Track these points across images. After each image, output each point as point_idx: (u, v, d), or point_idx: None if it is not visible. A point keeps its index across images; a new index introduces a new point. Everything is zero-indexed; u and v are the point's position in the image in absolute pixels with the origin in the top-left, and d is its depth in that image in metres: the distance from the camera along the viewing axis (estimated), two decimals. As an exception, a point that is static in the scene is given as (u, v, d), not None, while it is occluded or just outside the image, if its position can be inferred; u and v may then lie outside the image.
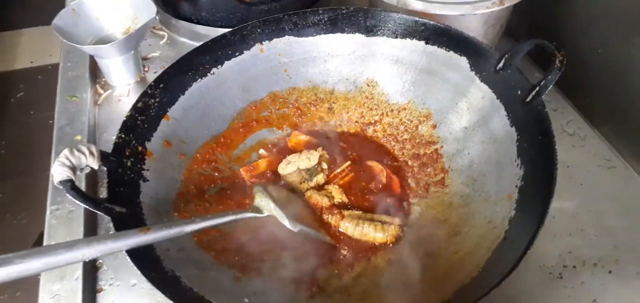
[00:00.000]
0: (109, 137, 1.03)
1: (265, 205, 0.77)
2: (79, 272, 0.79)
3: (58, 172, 0.66)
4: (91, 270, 0.82)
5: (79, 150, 0.69)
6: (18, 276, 0.53)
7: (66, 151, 0.68)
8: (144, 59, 1.21)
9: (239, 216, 0.75)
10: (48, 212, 0.88)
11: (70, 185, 0.65)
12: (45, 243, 0.84)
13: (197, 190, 0.84)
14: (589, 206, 0.90)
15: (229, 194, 0.86)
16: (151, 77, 1.14)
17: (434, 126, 0.92)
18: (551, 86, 0.73)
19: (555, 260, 0.83)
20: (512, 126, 0.78)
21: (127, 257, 0.62)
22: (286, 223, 0.76)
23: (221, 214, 0.73)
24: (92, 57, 1.16)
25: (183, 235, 0.67)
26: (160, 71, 0.88)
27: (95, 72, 1.18)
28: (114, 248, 0.60)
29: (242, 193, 0.87)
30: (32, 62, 2.70)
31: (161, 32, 1.29)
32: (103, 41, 1.10)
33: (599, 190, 0.93)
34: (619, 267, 0.82)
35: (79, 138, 1.01)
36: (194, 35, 1.23)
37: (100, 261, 0.83)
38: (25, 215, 2.11)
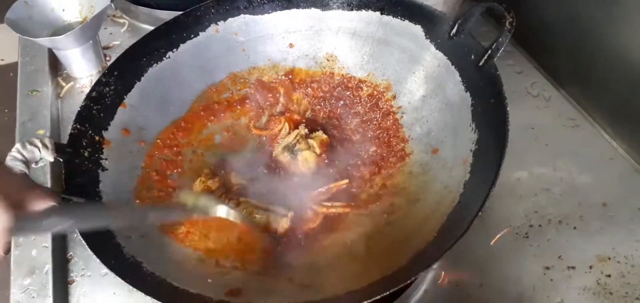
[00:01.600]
0: (74, 130, 1.02)
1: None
2: (48, 266, 0.79)
3: (10, 167, 0.65)
4: (61, 263, 0.82)
5: (31, 143, 0.69)
6: None
7: (18, 145, 0.68)
8: (105, 48, 1.19)
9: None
10: (12, 209, 0.88)
11: None
12: (13, 241, 0.84)
13: (160, 175, 0.83)
14: (554, 165, 0.92)
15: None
16: (113, 66, 1.13)
17: (394, 97, 0.92)
18: (502, 48, 0.73)
19: (522, 221, 0.85)
20: (466, 92, 0.79)
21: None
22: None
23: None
24: (51, 50, 1.15)
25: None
26: (119, 59, 0.87)
27: (55, 65, 1.16)
28: None
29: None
30: (2, 59, 2.65)
31: (121, 20, 1.28)
32: (60, 32, 1.08)
33: (563, 149, 0.95)
34: (583, 223, 0.84)
35: (41, 132, 1.00)
36: (154, 21, 1.21)
37: (71, 253, 0.84)
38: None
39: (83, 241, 0.62)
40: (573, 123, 1.00)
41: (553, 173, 0.91)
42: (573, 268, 0.78)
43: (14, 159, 0.66)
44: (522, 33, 0.97)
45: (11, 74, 2.51)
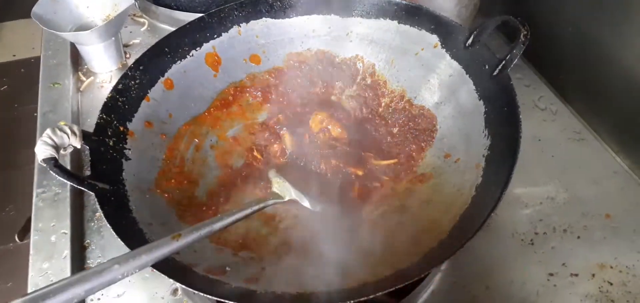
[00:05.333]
0: (92, 122, 1.02)
1: (285, 189, 0.79)
2: (67, 251, 0.82)
3: (41, 150, 0.68)
4: (79, 250, 0.85)
5: (61, 129, 0.71)
6: None
7: (49, 131, 0.70)
8: (126, 46, 1.22)
9: (262, 206, 0.75)
10: (34, 195, 0.90)
11: (53, 162, 0.67)
12: (33, 226, 0.86)
13: (179, 168, 0.86)
14: (559, 176, 0.94)
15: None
16: (133, 63, 1.15)
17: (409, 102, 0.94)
18: (516, 59, 0.75)
19: (527, 228, 0.87)
20: (480, 99, 0.81)
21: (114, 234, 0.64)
22: (307, 204, 0.79)
23: (245, 207, 0.72)
24: (73, 45, 1.18)
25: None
26: (141, 56, 0.89)
27: (77, 59, 1.19)
28: (147, 261, 0.59)
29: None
30: (14, 55, 2.68)
31: (142, 20, 1.31)
32: (83, 28, 1.12)
33: (569, 161, 0.97)
34: (586, 232, 0.86)
35: (62, 123, 1.02)
36: (173, 22, 1.24)
37: (88, 241, 0.86)
38: (13, 207, 2.12)
39: (108, 225, 0.64)
40: (578, 137, 1.02)
41: (558, 184, 0.93)
42: (576, 275, 0.80)
43: (44, 143, 0.68)
44: (531, 48, 0.99)
45: (22, 70, 2.55)
